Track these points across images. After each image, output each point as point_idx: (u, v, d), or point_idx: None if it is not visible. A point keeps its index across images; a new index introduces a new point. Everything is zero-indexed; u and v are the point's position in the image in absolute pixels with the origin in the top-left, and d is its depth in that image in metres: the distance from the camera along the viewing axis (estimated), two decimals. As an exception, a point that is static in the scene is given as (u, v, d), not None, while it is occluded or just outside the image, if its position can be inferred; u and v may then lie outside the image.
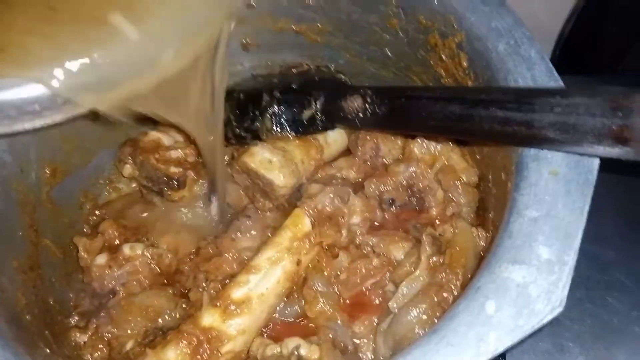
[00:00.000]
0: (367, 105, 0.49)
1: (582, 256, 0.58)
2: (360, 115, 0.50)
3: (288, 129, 0.57)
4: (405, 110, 0.46)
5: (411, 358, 0.32)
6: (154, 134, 0.61)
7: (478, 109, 0.39)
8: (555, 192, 0.37)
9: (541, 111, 0.35)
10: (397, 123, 0.48)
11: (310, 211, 0.54)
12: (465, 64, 0.51)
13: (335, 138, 0.60)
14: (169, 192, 0.57)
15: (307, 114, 0.56)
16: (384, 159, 0.58)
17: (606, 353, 0.56)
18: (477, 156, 0.54)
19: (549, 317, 0.32)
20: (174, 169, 0.58)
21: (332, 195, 0.54)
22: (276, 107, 0.57)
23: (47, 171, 0.56)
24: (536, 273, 0.34)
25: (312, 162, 0.57)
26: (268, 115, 0.57)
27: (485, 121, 0.39)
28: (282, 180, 0.53)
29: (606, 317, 0.59)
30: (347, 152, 0.60)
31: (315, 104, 0.56)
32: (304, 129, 0.57)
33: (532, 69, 0.43)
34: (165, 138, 0.61)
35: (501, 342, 0.31)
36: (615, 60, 0.85)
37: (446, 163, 0.54)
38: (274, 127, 0.57)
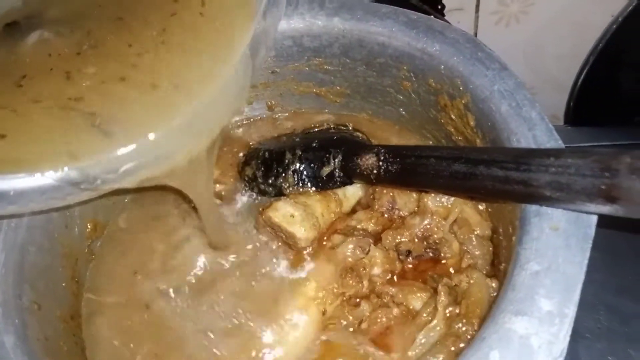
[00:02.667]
0: (380, 164, 0.53)
1: (604, 308, 0.60)
2: (375, 172, 0.54)
3: (309, 185, 0.61)
4: (415, 169, 0.49)
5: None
6: None
7: (481, 168, 0.42)
8: (556, 247, 0.39)
9: (537, 171, 0.38)
10: (408, 180, 0.52)
11: (333, 261, 0.57)
12: (472, 123, 0.55)
13: (353, 192, 0.63)
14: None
15: (326, 170, 0.60)
16: (400, 212, 0.61)
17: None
18: (489, 209, 0.57)
19: (550, 367, 0.34)
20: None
21: (353, 246, 0.57)
22: (298, 164, 0.61)
23: (89, 226, 0.61)
24: (538, 325, 0.36)
25: (332, 214, 0.60)
26: (290, 172, 0.61)
27: (488, 180, 0.42)
28: (304, 233, 0.56)
29: (629, 370, 0.59)
30: (366, 205, 0.63)
31: (334, 161, 0.60)
32: (324, 184, 0.61)
33: (533, 129, 0.47)
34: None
35: (504, 391, 0.33)
36: (630, 112, 0.87)
37: (460, 216, 0.57)
38: (296, 183, 0.61)
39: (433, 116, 0.61)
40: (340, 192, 0.62)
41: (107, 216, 0.64)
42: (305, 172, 0.61)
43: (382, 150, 0.54)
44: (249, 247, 0.61)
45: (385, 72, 0.63)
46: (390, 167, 0.52)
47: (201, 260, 0.60)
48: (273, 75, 0.68)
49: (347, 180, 0.60)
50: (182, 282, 0.59)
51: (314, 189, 0.61)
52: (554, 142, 0.45)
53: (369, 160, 0.55)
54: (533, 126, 0.47)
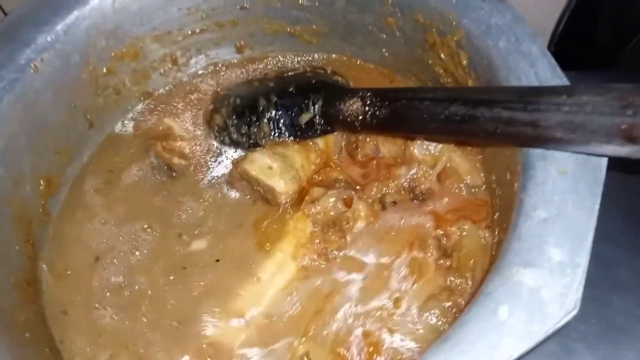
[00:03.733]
0: (366, 108, 0.49)
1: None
2: (360, 118, 0.49)
3: (286, 134, 0.56)
4: (406, 113, 0.45)
5: (423, 367, 0.31)
6: (167, 121, 0.61)
7: (481, 110, 0.38)
8: (564, 192, 0.36)
9: (547, 111, 0.34)
10: (398, 125, 0.47)
11: (314, 216, 0.53)
12: (464, 62, 0.50)
13: (333, 141, 0.59)
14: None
15: (305, 117, 0.55)
16: (385, 161, 0.57)
17: (613, 352, 0.56)
18: (479, 156, 0.53)
19: (564, 321, 0.31)
20: (177, 160, 0.58)
21: (334, 199, 0.53)
22: (274, 112, 0.56)
23: (42, 183, 0.54)
24: (548, 276, 0.33)
25: (312, 166, 0.56)
26: (266, 120, 0.56)
27: (489, 122, 0.38)
28: (284, 186, 0.52)
29: (611, 316, 0.58)
30: (347, 154, 0.59)
31: (314, 107, 0.55)
32: (302, 132, 0.56)
33: (535, 66, 0.43)
34: (177, 127, 0.61)
35: (515, 348, 0.31)
36: (608, 59, 0.84)
37: (448, 164, 0.54)
38: (272, 132, 0.56)
39: (419, 56, 0.57)
40: (320, 141, 0.58)
41: (62, 171, 0.58)
42: (282, 120, 0.56)
43: (369, 94, 0.49)
44: (223, 204, 0.56)
45: (367, 7, 0.57)
46: (378, 112, 0.48)
47: (173, 221, 0.55)
48: (242, 11, 0.61)
49: (327, 128, 0.56)
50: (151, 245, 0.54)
51: (292, 138, 0.56)
52: (558, 79, 0.41)
53: (353, 105, 0.50)
54: (534, 62, 0.43)
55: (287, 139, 0.56)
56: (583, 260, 0.33)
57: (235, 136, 0.58)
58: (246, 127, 0.57)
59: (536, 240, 0.35)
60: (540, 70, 0.42)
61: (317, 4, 0.60)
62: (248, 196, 0.56)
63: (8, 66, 0.50)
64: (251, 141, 0.57)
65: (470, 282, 0.46)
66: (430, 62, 0.56)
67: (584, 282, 0.32)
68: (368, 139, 0.57)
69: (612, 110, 0.32)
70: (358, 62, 0.65)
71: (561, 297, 0.32)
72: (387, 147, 0.56)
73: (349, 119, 0.51)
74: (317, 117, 0.55)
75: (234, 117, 0.58)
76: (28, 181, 0.53)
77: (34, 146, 0.53)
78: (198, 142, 0.61)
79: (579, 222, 0.35)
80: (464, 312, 0.33)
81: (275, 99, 0.56)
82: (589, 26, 0.86)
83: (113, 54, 0.58)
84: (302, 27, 0.63)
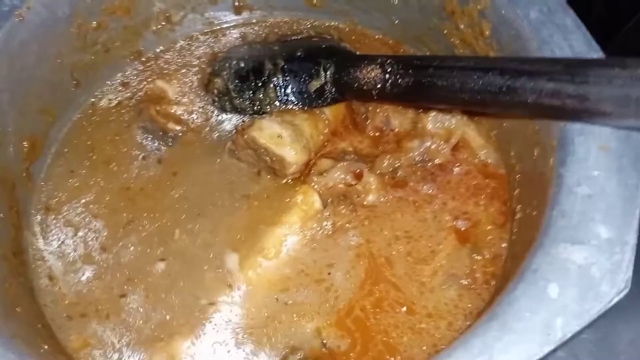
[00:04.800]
0: (386, 76, 0.46)
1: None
2: (379, 86, 0.47)
3: (295, 101, 0.53)
4: (433, 82, 0.43)
5: (471, 347, 0.30)
6: (160, 84, 0.57)
7: (522, 80, 0.36)
8: (608, 169, 0.35)
9: (598, 84, 0.33)
10: (422, 96, 0.45)
11: (322, 189, 0.51)
12: (487, 32, 0.48)
13: (341, 110, 0.56)
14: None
15: (315, 84, 0.52)
16: (395, 132, 0.55)
17: (612, 329, 0.57)
18: (494, 131, 0.52)
19: (615, 299, 0.30)
20: (172, 125, 0.54)
21: (344, 172, 0.51)
22: (281, 77, 0.53)
23: (26, 145, 0.50)
24: (597, 253, 0.32)
25: (320, 136, 0.53)
26: (272, 85, 0.53)
27: (531, 94, 0.36)
28: (294, 156, 0.49)
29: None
30: (355, 125, 0.57)
31: (325, 74, 0.52)
32: (312, 101, 0.53)
33: (569, 39, 0.41)
34: (171, 90, 0.57)
35: (569, 327, 0.30)
36: (604, 40, 0.84)
37: (462, 138, 0.52)
38: (279, 99, 0.53)
39: (434, 25, 0.54)
40: (327, 110, 0.55)
41: (46, 133, 0.53)
42: (290, 86, 0.53)
43: (389, 61, 0.46)
44: (224, 175, 0.52)
45: (381, -30, 0.54)
46: (400, 81, 0.45)
47: (172, 188, 0.52)
48: (244, -31, 0.57)
49: (339, 97, 0.53)
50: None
51: (300, 106, 0.53)
52: (595, 52, 0.40)
53: (371, 73, 0.47)
54: (568, 34, 0.41)
55: (294, 107, 0.53)
56: (631, 237, 0.33)
57: (237, 101, 0.54)
58: (250, 93, 0.53)
59: (582, 217, 0.34)
60: (575, 43, 0.41)
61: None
62: (252, 166, 0.53)
63: (-8, 12, 0.45)
64: (255, 107, 0.54)
65: (488, 257, 0.45)
66: (445, 32, 0.54)
67: (633, 260, 0.32)
68: (378, 110, 0.55)
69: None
70: (363, 30, 0.62)
71: (612, 275, 0.31)
72: (399, 119, 0.54)
73: (365, 87, 0.48)
74: (328, 84, 0.52)
75: (237, 81, 0.54)
76: (11, 141, 0.48)
77: (18, 103, 0.48)
78: (195, 107, 0.57)
79: (624, 199, 0.34)
80: (509, 289, 0.32)
81: (283, 63, 0.53)
82: (583, 10, 0.86)
83: (104, 8, 0.53)
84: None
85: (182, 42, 0.61)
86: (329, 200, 0.51)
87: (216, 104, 0.56)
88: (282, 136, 0.49)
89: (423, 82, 0.44)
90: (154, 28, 0.59)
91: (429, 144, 0.52)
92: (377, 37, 0.61)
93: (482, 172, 0.51)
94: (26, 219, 0.49)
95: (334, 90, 0.52)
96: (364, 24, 0.61)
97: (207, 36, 0.62)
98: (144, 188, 0.52)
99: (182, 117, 0.55)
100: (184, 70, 0.59)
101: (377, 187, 0.51)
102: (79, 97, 0.56)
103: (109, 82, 0.58)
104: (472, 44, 0.51)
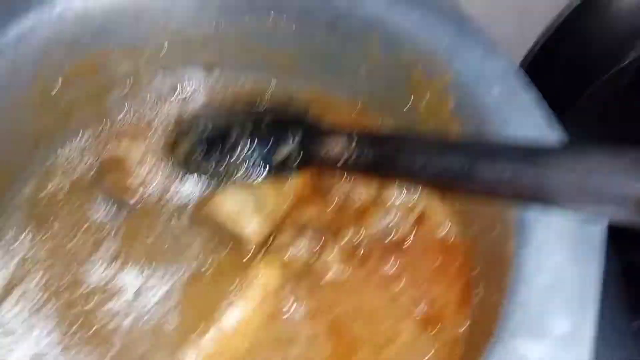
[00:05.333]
0: (351, 150, 0.46)
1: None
2: (344, 158, 0.46)
3: (260, 169, 0.52)
4: (395, 159, 0.42)
5: None
6: (123, 146, 0.55)
7: (483, 164, 0.36)
8: (566, 257, 0.34)
9: (558, 171, 0.33)
10: (384, 171, 0.45)
11: (283, 263, 0.49)
12: (451, 105, 0.49)
13: (306, 177, 0.55)
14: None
15: (282, 152, 0.52)
16: (357, 202, 0.54)
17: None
18: (458, 205, 0.51)
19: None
20: (131, 194, 0.53)
21: (306, 246, 0.50)
22: (249, 144, 0.52)
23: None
24: (556, 349, 0.31)
25: (283, 206, 0.52)
26: (239, 152, 0.52)
27: (490, 178, 0.36)
28: (253, 234, 0.48)
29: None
30: (315, 190, 0.56)
31: (292, 142, 0.51)
32: (277, 169, 0.52)
33: (531, 117, 0.41)
34: (132, 153, 0.55)
35: None
36: (564, 104, 0.86)
37: (424, 213, 0.51)
38: (245, 166, 0.52)
39: (399, 94, 0.55)
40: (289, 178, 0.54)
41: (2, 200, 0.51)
42: (256, 153, 0.52)
43: (353, 135, 0.46)
44: (180, 247, 0.51)
45: (350, 38, 0.55)
46: (363, 155, 0.45)
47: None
48: (215, 30, 0.57)
49: (303, 166, 0.52)
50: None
51: (265, 174, 0.52)
52: (554, 133, 0.40)
53: (337, 145, 0.47)
54: (530, 113, 0.41)
55: (260, 175, 0.52)
56: (588, 332, 0.31)
57: (203, 165, 0.53)
58: (217, 158, 0.52)
59: (540, 309, 0.32)
60: (537, 121, 0.41)
61: (295, 28, 0.56)
62: (210, 239, 0.51)
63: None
64: (220, 173, 0.53)
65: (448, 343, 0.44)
66: (410, 101, 0.54)
67: (592, 355, 0.30)
68: (343, 178, 0.54)
69: (627, 177, 0.30)
70: (328, 93, 0.62)
71: (570, 373, 0.30)
72: (363, 189, 0.53)
73: (330, 159, 0.48)
74: (294, 153, 0.51)
75: (204, 144, 0.53)
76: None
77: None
78: (157, 173, 0.55)
79: (582, 289, 0.33)
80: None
81: (251, 130, 0.52)
82: (547, 71, 0.88)
83: (69, 68, 0.52)
84: (274, 51, 0.59)
85: (148, 104, 0.61)
86: (289, 276, 0.49)
87: (181, 166, 0.55)
88: (243, 211, 0.48)
89: (386, 158, 0.44)
90: (121, 88, 0.58)
91: (391, 217, 0.52)
92: (342, 100, 0.61)
93: (443, 249, 0.50)
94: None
95: (299, 159, 0.52)
96: (330, 87, 0.61)
97: (175, 97, 0.61)
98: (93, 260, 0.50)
99: (142, 185, 0.54)
100: (148, 132, 0.58)
101: (339, 263, 0.49)
102: (37, 158, 0.55)
103: (69, 143, 0.57)
104: (437, 114, 0.51)
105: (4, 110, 0.49)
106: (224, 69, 0.62)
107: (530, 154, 0.34)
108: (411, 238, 0.51)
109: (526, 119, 0.41)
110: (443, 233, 0.51)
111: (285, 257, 0.49)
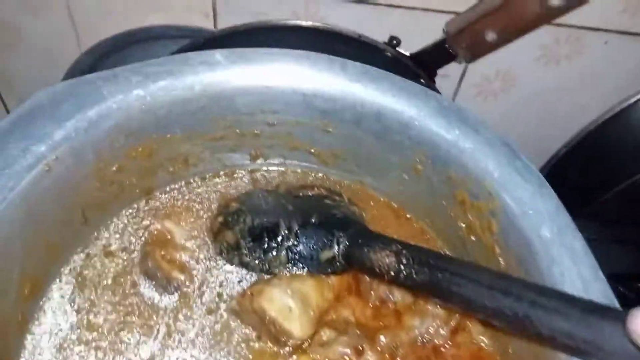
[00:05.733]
0: (401, 267, 0.48)
1: None
2: (392, 274, 0.48)
3: (303, 267, 0.54)
4: (447, 287, 0.44)
5: None
6: (168, 225, 0.57)
7: (538, 314, 0.38)
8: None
9: (614, 337, 0.35)
10: (434, 295, 0.47)
11: (320, 361, 0.50)
12: (495, 229, 0.51)
13: (347, 276, 0.57)
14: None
15: (326, 255, 0.53)
16: (396, 305, 0.55)
17: None
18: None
19: None
20: (176, 274, 0.54)
21: (345, 347, 0.51)
22: (294, 241, 0.54)
23: (27, 287, 0.48)
24: None
25: (325, 303, 0.54)
26: (285, 249, 0.54)
27: (545, 328, 0.38)
28: (300, 332, 0.49)
29: None
30: (354, 290, 0.57)
31: (338, 246, 0.53)
32: (321, 268, 0.54)
33: (578, 264, 0.44)
34: (178, 233, 0.57)
35: None
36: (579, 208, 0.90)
37: (463, 321, 0.53)
38: (290, 263, 0.54)
39: (442, 206, 0.57)
40: (333, 275, 0.56)
41: (47, 271, 0.52)
42: (302, 252, 0.54)
43: (404, 251, 0.48)
44: (221, 335, 0.52)
45: (397, 150, 0.58)
46: (414, 275, 0.47)
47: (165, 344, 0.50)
48: (268, 126, 0.60)
49: (348, 268, 0.54)
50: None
51: (308, 271, 0.54)
52: (600, 283, 0.43)
53: (385, 259, 0.49)
54: (578, 259, 0.44)
55: (303, 272, 0.54)
56: None
57: (247, 259, 0.55)
58: (262, 252, 0.54)
59: None
60: (584, 269, 0.44)
61: (345, 134, 0.59)
62: (253, 329, 0.52)
63: (19, 162, 0.45)
64: (264, 267, 0.54)
65: None
66: (453, 215, 0.57)
67: None
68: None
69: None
70: (370, 191, 0.64)
71: None
72: (402, 292, 0.56)
73: (377, 270, 0.50)
74: (339, 256, 0.53)
75: (250, 238, 0.55)
76: (14, 287, 0.47)
77: (27, 247, 0.47)
78: (201, 255, 0.57)
79: None
80: None
81: (297, 228, 0.54)
82: (560, 172, 0.92)
83: (127, 153, 0.54)
84: (322, 149, 0.62)
85: (193, 183, 0.62)
86: (328, 377, 0.50)
87: (224, 255, 0.56)
88: (292, 309, 0.50)
89: (437, 284, 0.45)
90: (170, 169, 0.60)
91: (429, 323, 0.53)
92: (382, 200, 0.64)
93: (478, 359, 0.52)
94: (14, 370, 0.46)
95: (344, 262, 0.53)
96: (372, 187, 0.64)
97: (220, 179, 0.63)
98: (137, 341, 0.51)
99: (187, 265, 0.55)
100: (193, 212, 0.60)
101: (377, 367, 0.51)
102: (85, 232, 0.56)
103: (116, 219, 0.58)
104: (479, 234, 0.54)
105: (64, 195, 0.50)
106: (268, 158, 0.64)
107: (587, 314, 0.37)
108: (447, 346, 0.53)
109: (574, 265, 0.44)
110: (480, 344, 0.52)
111: (325, 355, 0.50)
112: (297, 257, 0.54)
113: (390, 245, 0.50)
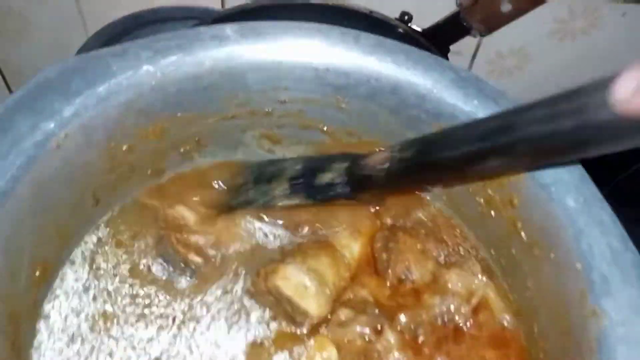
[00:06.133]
0: (392, 154, 0.47)
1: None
2: (386, 165, 0.47)
3: (302, 194, 0.54)
4: (434, 149, 0.44)
5: None
6: (181, 210, 0.56)
7: (523, 116, 0.35)
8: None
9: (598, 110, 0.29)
10: (426, 166, 0.45)
11: (339, 342, 0.49)
12: (517, 203, 0.50)
13: (359, 250, 0.56)
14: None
15: (326, 176, 0.53)
16: (415, 284, 0.54)
17: None
18: (516, 298, 0.52)
19: None
20: (193, 257, 0.53)
21: (364, 326, 0.50)
22: (295, 171, 0.55)
23: (38, 271, 0.47)
24: None
25: (342, 282, 0.53)
26: (285, 178, 0.54)
27: (532, 130, 0.34)
28: (317, 310, 0.48)
29: None
30: (373, 269, 0.56)
31: (338, 165, 0.53)
32: (320, 193, 0.54)
33: (607, 235, 0.42)
34: (192, 217, 0.56)
35: None
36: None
37: (485, 299, 0.52)
38: (289, 191, 0.54)
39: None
40: (347, 252, 0.55)
41: (58, 255, 0.51)
42: (301, 179, 0.54)
43: (394, 146, 0.48)
44: (237, 317, 0.51)
45: (413, 125, 0.56)
46: (405, 154, 0.46)
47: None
48: (280, 105, 0.58)
49: (347, 192, 0.53)
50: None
51: (307, 199, 0.54)
52: (632, 254, 0.41)
53: (379, 155, 0.48)
54: (607, 231, 0.42)
55: (302, 201, 0.54)
56: None
57: (251, 193, 0.56)
58: (266, 184, 0.55)
59: None
60: (613, 240, 0.42)
61: (359, 111, 0.57)
62: (269, 310, 0.51)
63: (28, 139, 0.44)
64: (266, 198, 0.55)
65: None
66: (470, 190, 0.55)
67: None
68: (400, 257, 0.54)
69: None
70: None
71: None
72: (420, 270, 0.54)
73: (373, 172, 0.49)
74: (339, 177, 0.52)
75: (257, 176, 0.56)
76: (25, 270, 0.45)
77: (37, 229, 0.46)
78: (215, 237, 0.56)
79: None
80: None
81: (301, 165, 0.55)
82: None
83: (137, 132, 0.53)
84: (336, 127, 0.61)
85: (205, 165, 0.61)
86: (345, 355, 0.49)
87: (235, 202, 0.56)
88: (308, 287, 0.48)
89: (426, 153, 0.45)
90: (181, 150, 0.59)
91: (449, 302, 0.52)
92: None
93: (501, 339, 0.51)
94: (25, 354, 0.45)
95: (343, 183, 0.53)
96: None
97: (232, 160, 0.62)
98: (149, 322, 0.50)
99: (203, 249, 0.54)
100: (205, 194, 0.59)
101: (397, 348, 0.49)
102: (96, 215, 0.55)
103: (128, 199, 0.57)
104: (499, 208, 0.52)
105: (74, 175, 0.49)
106: (282, 142, 0.62)
107: (568, 98, 0.32)
108: (469, 325, 0.51)
109: (603, 236, 0.42)
110: (503, 323, 0.51)
111: (343, 335, 0.49)
112: (296, 183, 0.54)
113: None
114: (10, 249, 0.43)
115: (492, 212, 0.53)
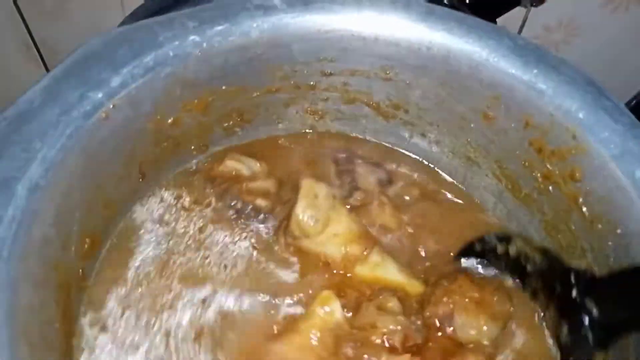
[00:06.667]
0: None
1: None
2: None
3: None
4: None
5: None
6: (231, 164, 0.56)
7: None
8: None
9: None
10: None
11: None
12: (579, 176, 0.47)
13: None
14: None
15: None
16: (453, 334, 0.47)
17: None
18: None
19: None
20: (260, 201, 0.53)
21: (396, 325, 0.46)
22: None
23: (87, 242, 0.47)
24: None
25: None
26: None
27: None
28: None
29: None
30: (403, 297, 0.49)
31: None
32: None
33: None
34: (243, 168, 0.56)
35: None
36: None
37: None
38: None
39: (515, 156, 0.53)
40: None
41: (106, 227, 0.51)
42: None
43: None
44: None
45: (465, 97, 0.54)
46: None
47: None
48: (325, 77, 0.57)
49: None
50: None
51: None
52: None
53: None
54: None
55: None
56: None
57: None
58: None
59: None
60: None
61: (407, 82, 0.55)
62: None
63: (77, 109, 0.43)
64: None
65: None
66: (527, 164, 0.53)
67: None
68: (445, 298, 0.48)
69: None
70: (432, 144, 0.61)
71: None
72: (464, 319, 0.47)
73: None
74: None
75: None
76: (74, 241, 0.45)
77: (86, 201, 0.46)
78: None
79: None
80: None
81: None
82: None
83: (183, 105, 0.52)
84: (380, 100, 0.59)
85: (247, 139, 0.60)
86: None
87: None
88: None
89: None
90: (225, 124, 0.58)
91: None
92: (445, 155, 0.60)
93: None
94: (77, 327, 0.45)
95: None
96: (433, 141, 0.60)
97: (276, 135, 0.61)
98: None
99: (265, 190, 0.54)
100: (250, 173, 0.58)
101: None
102: (142, 188, 0.54)
103: (173, 174, 0.56)
104: (558, 183, 0.50)
105: (121, 147, 0.48)
106: (324, 116, 0.61)
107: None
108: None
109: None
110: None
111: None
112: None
113: None
114: (61, 219, 0.42)
115: (550, 187, 0.51)
